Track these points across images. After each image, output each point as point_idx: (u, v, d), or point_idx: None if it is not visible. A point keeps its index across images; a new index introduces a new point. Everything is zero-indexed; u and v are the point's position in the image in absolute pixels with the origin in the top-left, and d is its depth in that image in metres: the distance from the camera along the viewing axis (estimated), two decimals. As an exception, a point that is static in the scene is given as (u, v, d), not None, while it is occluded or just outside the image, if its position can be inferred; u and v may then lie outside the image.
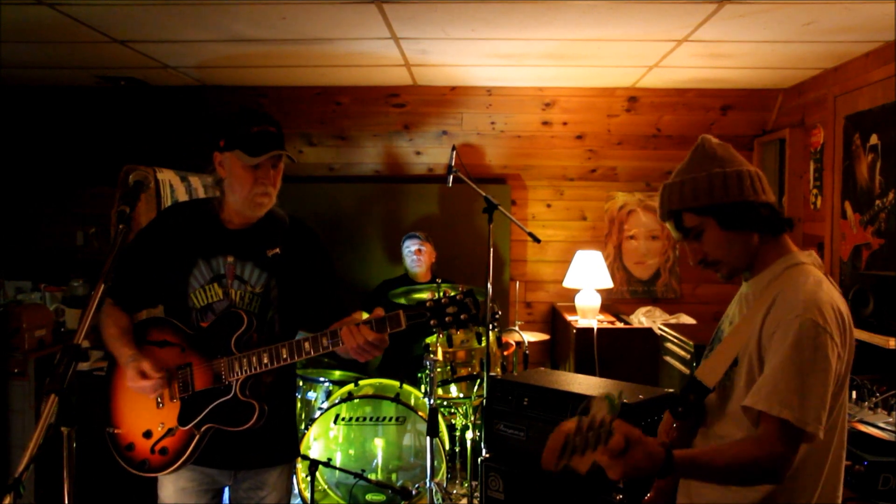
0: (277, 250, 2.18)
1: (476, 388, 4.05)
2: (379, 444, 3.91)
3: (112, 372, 2.21)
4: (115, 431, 2.15)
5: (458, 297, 1.96)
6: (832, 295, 1.63)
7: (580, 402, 2.78)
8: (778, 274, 1.70)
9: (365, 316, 2.08)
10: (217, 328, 2.12)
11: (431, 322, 1.94)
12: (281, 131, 2.15)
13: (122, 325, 2.17)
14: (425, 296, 4.03)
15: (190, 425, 2.08)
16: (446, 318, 1.94)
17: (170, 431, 2.09)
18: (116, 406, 2.17)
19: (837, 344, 1.57)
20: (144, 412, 2.12)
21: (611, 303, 5.23)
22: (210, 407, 2.08)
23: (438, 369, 3.94)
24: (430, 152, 5.38)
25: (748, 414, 1.58)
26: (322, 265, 2.30)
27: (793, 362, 1.53)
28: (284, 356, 2.02)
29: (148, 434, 2.11)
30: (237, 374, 2.06)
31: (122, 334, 2.14)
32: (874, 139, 3.86)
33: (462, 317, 1.93)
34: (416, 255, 4.63)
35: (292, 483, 2.28)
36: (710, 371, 1.70)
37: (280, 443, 2.25)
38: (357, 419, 3.90)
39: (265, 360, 2.04)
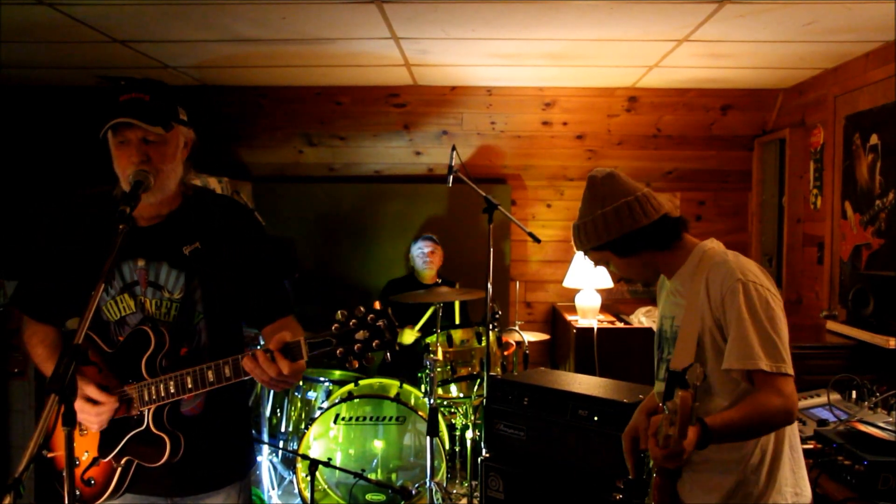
0: (197, 244, 1.89)
1: (476, 387, 4.05)
2: (379, 444, 3.91)
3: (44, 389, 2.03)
4: (49, 455, 1.93)
5: (368, 320, 1.66)
6: (750, 261, 1.85)
7: (580, 402, 2.80)
8: (696, 263, 1.89)
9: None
10: (127, 349, 1.87)
11: (338, 351, 1.66)
12: (161, 101, 1.82)
13: (50, 343, 1.95)
14: (448, 290, 4.01)
15: (109, 457, 1.87)
16: (355, 346, 1.65)
17: (94, 461, 1.90)
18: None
19: (776, 295, 1.79)
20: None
21: (611, 303, 5.23)
22: (125, 439, 1.86)
23: (438, 369, 3.94)
24: (430, 152, 5.38)
25: (731, 375, 1.76)
26: (253, 255, 1.96)
27: (751, 321, 1.73)
28: (189, 386, 1.78)
29: (74, 462, 1.89)
30: (147, 403, 1.83)
31: (52, 355, 1.92)
32: (874, 139, 3.85)
33: (374, 343, 1.65)
34: (428, 256, 4.67)
35: (249, 500, 2.08)
36: (681, 359, 1.83)
37: (220, 465, 1.98)
38: (357, 419, 3.90)
39: (172, 390, 1.80)
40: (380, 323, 1.66)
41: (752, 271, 1.80)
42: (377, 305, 1.69)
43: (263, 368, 1.69)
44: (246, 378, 1.77)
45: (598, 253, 1.97)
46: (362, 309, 1.68)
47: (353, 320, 1.67)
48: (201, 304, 1.91)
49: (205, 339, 1.93)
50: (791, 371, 1.73)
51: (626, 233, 1.87)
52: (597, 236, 1.91)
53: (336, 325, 1.67)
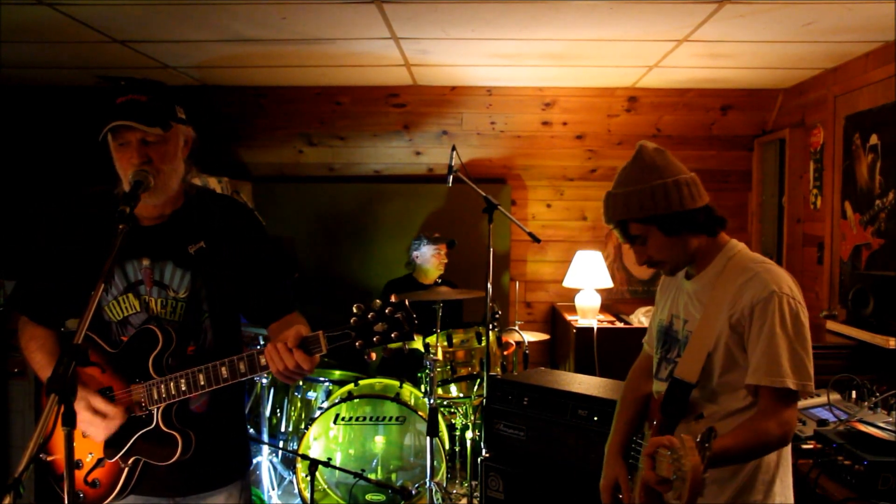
0: (202, 244, 1.90)
1: (476, 387, 4.05)
2: (379, 444, 3.91)
3: (41, 391, 1.98)
4: (48, 459, 1.90)
5: (387, 312, 1.68)
6: (781, 269, 1.84)
7: (580, 402, 2.80)
8: (721, 269, 1.86)
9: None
10: (133, 348, 1.87)
11: (357, 343, 1.68)
12: (159, 101, 1.81)
13: (50, 348, 1.94)
14: (449, 290, 4.01)
15: (116, 458, 1.86)
16: (374, 338, 1.68)
17: (99, 462, 1.88)
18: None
19: (804, 306, 1.79)
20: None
21: (611, 303, 5.23)
22: (134, 438, 1.85)
23: (438, 369, 3.94)
24: (430, 152, 5.38)
25: (749, 388, 1.77)
26: (256, 254, 1.97)
27: (783, 336, 1.72)
28: (202, 383, 1.79)
29: (78, 464, 1.88)
30: (156, 402, 1.83)
31: (51, 361, 1.88)
32: (874, 139, 3.85)
33: (393, 334, 1.67)
34: (446, 258, 4.64)
35: (249, 499, 2.09)
36: (689, 369, 1.82)
37: (222, 464, 2.00)
38: (357, 419, 3.90)
39: (183, 387, 1.81)
40: (398, 315, 1.67)
41: (786, 282, 1.77)
42: (394, 298, 1.70)
43: (283, 358, 1.71)
44: (261, 374, 1.79)
45: (641, 225, 1.83)
46: (379, 302, 1.69)
47: (372, 313, 1.68)
48: (206, 303, 1.92)
49: (210, 338, 1.94)
50: (813, 388, 1.74)
51: (682, 210, 1.80)
52: (653, 205, 1.79)
53: (354, 318, 1.68)
